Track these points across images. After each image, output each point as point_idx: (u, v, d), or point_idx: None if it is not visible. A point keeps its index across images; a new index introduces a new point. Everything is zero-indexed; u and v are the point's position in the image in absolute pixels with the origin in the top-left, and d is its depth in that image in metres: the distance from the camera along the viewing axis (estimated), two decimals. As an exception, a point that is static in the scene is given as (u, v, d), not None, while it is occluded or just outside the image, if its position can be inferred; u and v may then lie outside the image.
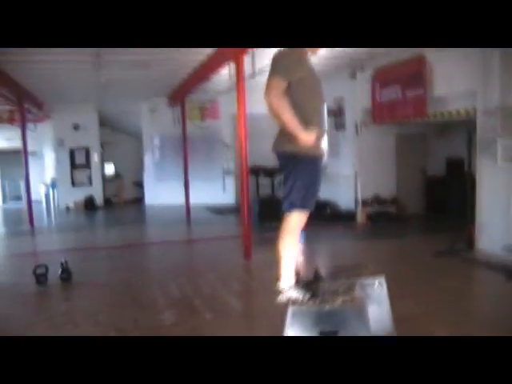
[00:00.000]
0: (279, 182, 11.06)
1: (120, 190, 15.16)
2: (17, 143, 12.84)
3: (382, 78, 8.86)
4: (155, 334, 3.91)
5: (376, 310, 3.92)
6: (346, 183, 10.18)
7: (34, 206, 11.17)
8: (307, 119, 3.06)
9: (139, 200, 14.96)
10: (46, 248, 8.63)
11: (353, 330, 3.10)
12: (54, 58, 7.92)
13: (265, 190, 12.06)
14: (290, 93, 3.07)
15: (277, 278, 3.30)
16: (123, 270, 6.66)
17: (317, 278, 3.44)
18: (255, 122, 13.50)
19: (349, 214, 9.88)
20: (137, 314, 4.58)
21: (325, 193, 7.60)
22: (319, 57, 6.22)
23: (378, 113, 9.09)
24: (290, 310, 3.10)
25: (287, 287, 3.22)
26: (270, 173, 11.74)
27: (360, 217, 9.57)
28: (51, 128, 13.96)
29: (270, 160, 11.54)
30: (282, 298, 3.22)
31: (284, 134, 3.15)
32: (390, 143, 10.08)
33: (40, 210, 13.21)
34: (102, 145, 14.60)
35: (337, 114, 10.43)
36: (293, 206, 3.16)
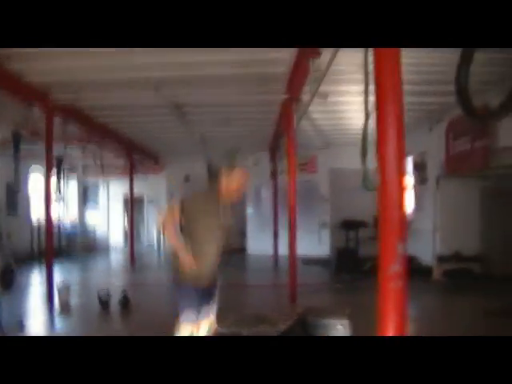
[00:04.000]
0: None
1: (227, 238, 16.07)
2: (138, 192, 14.81)
3: (454, 130, 8.69)
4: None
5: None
6: (426, 238, 9.86)
7: (148, 248, 12.66)
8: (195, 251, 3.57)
9: (242, 250, 15.71)
10: (129, 281, 9.74)
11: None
12: (147, 113, 9.19)
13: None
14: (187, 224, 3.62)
15: None
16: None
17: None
18: (348, 177, 13.78)
19: (426, 269, 9.50)
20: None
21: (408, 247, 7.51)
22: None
23: (450, 165, 8.85)
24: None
25: None
26: (355, 225, 11.83)
27: (436, 273, 9.17)
28: (165, 179, 15.62)
29: (359, 213, 11.87)
30: None
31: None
32: (474, 197, 9.59)
33: (152, 252, 14.79)
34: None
35: (419, 168, 10.30)
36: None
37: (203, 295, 3.66)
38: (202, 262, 3.56)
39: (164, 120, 9.62)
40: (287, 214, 8.03)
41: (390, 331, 2.07)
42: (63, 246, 14.29)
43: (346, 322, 4.31)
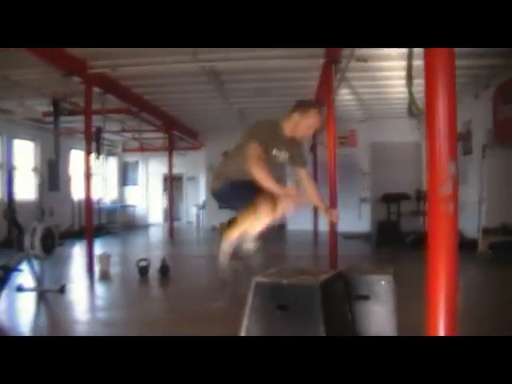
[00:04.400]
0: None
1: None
2: (177, 169, 14.90)
3: (504, 94, 8.27)
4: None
5: (379, 309, 3.90)
6: (471, 210, 9.50)
7: (187, 225, 12.73)
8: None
9: (282, 226, 15.65)
10: (168, 252, 9.81)
11: (304, 309, 3.19)
12: (185, 82, 9.11)
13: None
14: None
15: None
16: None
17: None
18: (388, 151, 13.48)
19: (471, 241, 9.17)
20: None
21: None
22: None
23: (500, 132, 8.45)
24: (254, 283, 3.36)
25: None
26: (397, 198, 11.59)
27: (481, 245, 8.84)
28: (204, 155, 15.63)
29: (400, 188, 11.63)
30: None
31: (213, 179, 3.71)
32: (523, 168, 9.16)
33: (191, 229, 14.87)
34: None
35: (465, 138, 9.90)
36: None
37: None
38: None
39: (202, 90, 9.54)
40: (327, 189, 7.85)
41: (440, 260, 1.92)
42: (103, 223, 14.53)
43: (390, 277, 4.13)
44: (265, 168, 3.27)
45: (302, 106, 3.57)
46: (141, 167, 17.27)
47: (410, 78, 3.25)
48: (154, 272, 7.02)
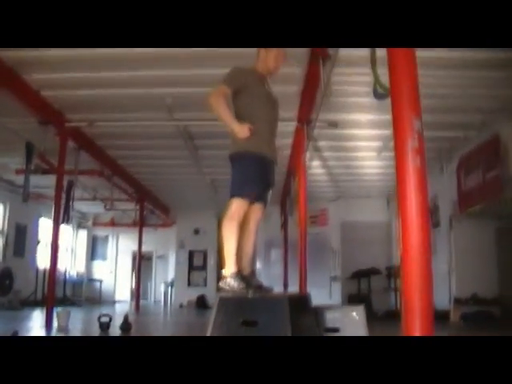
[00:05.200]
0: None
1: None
2: (147, 247, 14.73)
3: (465, 165, 8.64)
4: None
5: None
6: (441, 282, 9.50)
7: (154, 304, 12.32)
8: (251, 123, 3.43)
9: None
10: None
11: (272, 322, 3.07)
12: (159, 147, 9.26)
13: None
14: (236, 101, 3.55)
15: (221, 267, 3.51)
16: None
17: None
18: (359, 230, 13.66)
19: (443, 312, 9.07)
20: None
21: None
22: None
23: (464, 203, 8.71)
24: (218, 297, 3.24)
25: (228, 274, 3.38)
26: (366, 274, 11.63)
27: (453, 316, 8.75)
28: (175, 233, 15.52)
29: (373, 264, 11.63)
30: (223, 284, 3.38)
31: (231, 140, 3.56)
32: (489, 238, 9.33)
33: (158, 306, 14.41)
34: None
35: (432, 212, 10.15)
36: (232, 194, 3.46)
37: (266, 169, 3.54)
38: (257, 127, 3.43)
39: (176, 157, 9.70)
40: (298, 268, 7.82)
41: (412, 215, 1.95)
42: (67, 295, 13.97)
43: (361, 309, 4.05)
44: (224, 103, 3.38)
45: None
46: (111, 242, 17.01)
47: (373, 61, 3.43)
48: (115, 329, 6.68)
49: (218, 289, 3.42)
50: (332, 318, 3.93)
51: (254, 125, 3.42)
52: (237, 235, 3.42)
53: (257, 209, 3.63)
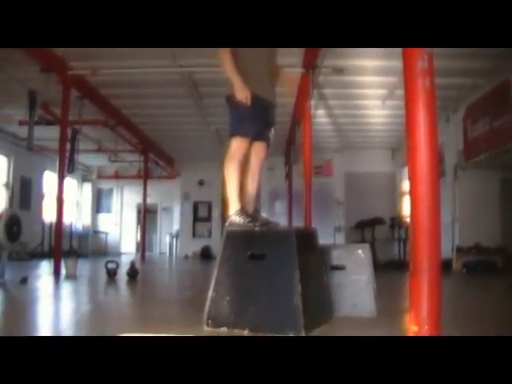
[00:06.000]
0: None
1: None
2: (152, 199, 14.79)
3: (472, 114, 8.55)
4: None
5: (356, 279, 3.83)
6: (445, 230, 9.58)
7: (160, 255, 12.45)
8: (246, 77, 3.39)
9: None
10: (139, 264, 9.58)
11: (279, 255, 3.09)
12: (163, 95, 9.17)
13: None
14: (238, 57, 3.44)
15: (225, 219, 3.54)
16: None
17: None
18: (363, 181, 13.67)
19: (445, 261, 9.17)
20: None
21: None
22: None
23: (469, 151, 8.66)
24: (225, 232, 3.26)
25: (232, 213, 3.40)
26: (370, 223, 11.73)
27: (455, 264, 8.86)
28: (179, 184, 15.57)
29: (377, 215, 11.66)
30: (228, 224, 3.40)
31: (228, 83, 3.51)
32: (494, 189, 9.34)
33: (164, 258, 14.64)
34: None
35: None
36: (231, 134, 3.46)
37: (264, 109, 3.52)
38: (254, 69, 3.45)
39: (180, 106, 9.65)
40: (303, 218, 7.84)
41: (420, 135, 1.97)
42: (74, 247, 14.14)
43: (366, 247, 4.08)
44: (231, 58, 3.35)
45: None
46: (115, 195, 17.07)
47: None
48: (122, 275, 6.80)
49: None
50: (338, 256, 3.95)
51: (251, 66, 3.43)
52: (238, 173, 3.43)
53: (259, 147, 3.62)
